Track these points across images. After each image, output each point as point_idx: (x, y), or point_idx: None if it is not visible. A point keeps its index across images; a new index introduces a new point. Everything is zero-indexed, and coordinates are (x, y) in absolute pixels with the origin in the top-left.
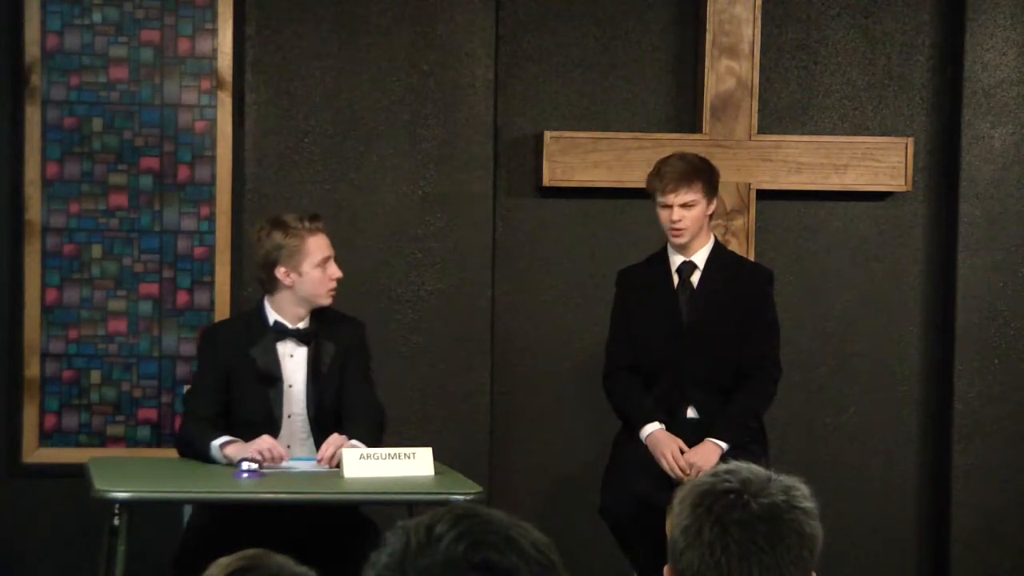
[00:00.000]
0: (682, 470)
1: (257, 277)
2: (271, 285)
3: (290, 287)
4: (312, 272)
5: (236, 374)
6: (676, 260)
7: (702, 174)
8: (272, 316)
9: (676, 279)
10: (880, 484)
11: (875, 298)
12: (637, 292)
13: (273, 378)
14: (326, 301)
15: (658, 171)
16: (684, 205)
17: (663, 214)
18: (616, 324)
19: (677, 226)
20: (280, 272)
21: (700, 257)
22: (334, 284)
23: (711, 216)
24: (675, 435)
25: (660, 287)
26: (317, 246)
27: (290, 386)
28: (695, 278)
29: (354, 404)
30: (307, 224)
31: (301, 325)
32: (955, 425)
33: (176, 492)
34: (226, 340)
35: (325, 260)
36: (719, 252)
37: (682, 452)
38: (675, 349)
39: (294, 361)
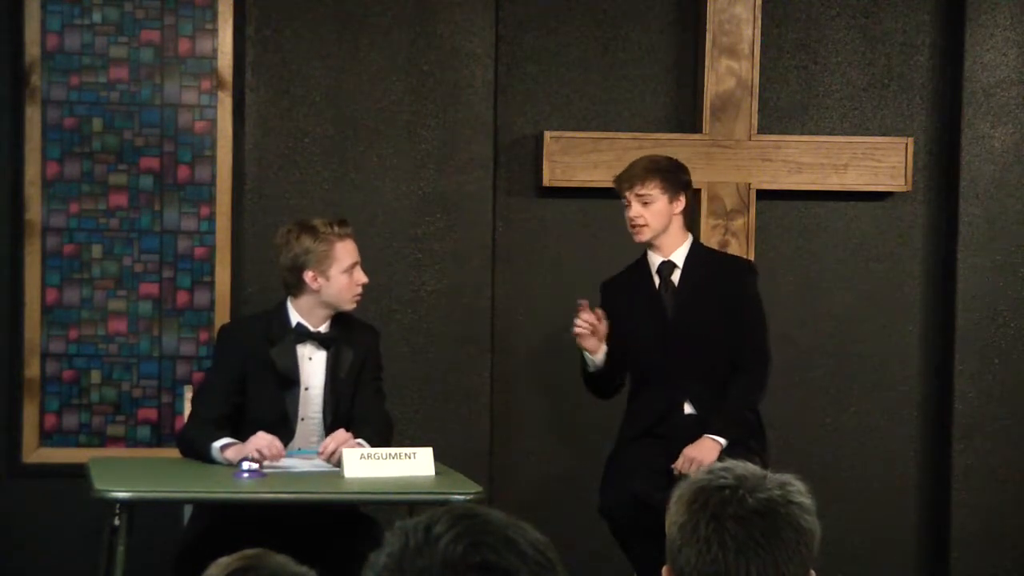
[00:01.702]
0: (681, 466)
1: (283, 279)
2: (297, 288)
3: (316, 291)
4: (339, 277)
5: (253, 373)
6: (655, 261)
7: (659, 171)
8: (295, 318)
9: (657, 280)
10: (880, 484)
11: (875, 298)
12: (621, 299)
13: (290, 380)
14: (351, 306)
15: (619, 173)
16: (641, 201)
17: (626, 212)
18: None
19: (635, 222)
20: (308, 276)
21: (679, 256)
22: (360, 290)
23: (685, 215)
24: (675, 432)
25: (642, 289)
26: (346, 251)
27: (306, 389)
28: (675, 276)
29: (364, 413)
30: (336, 229)
31: (323, 329)
32: (955, 425)
33: (176, 492)
34: (245, 338)
35: (352, 266)
36: (697, 249)
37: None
38: (664, 348)
39: (312, 364)
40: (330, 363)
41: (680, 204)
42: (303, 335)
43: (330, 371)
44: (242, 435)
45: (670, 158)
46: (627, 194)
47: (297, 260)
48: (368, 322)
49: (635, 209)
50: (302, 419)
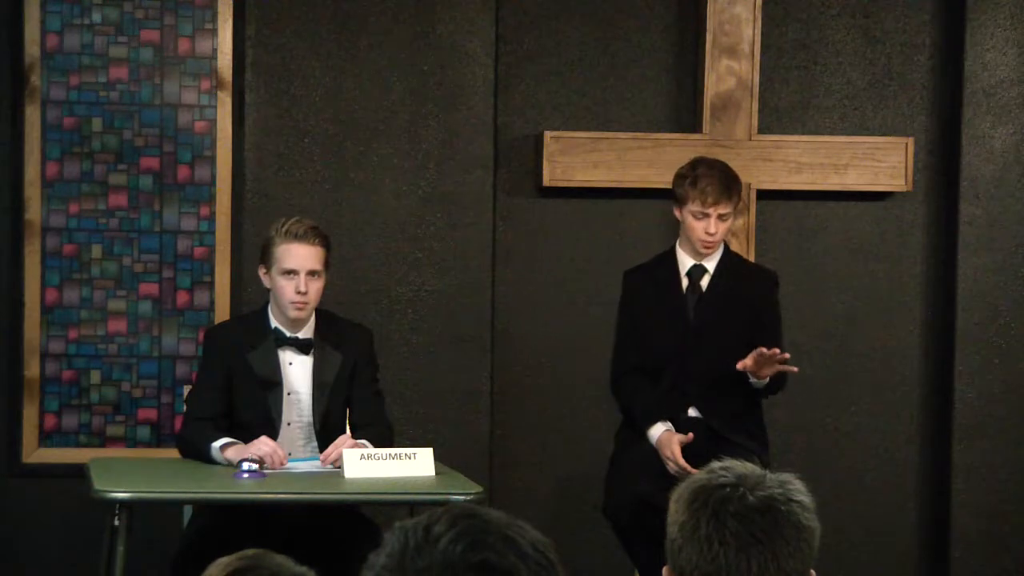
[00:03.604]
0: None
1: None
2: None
3: (270, 289)
4: (277, 278)
5: (236, 377)
6: (686, 262)
7: (736, 185)
8: (272, 322)
9: (685, 281)
10: (880, 484)
11: (875, 298)
12: (644, 292)
13: (271, 383)
14: (292, 314)
15: (695, 180)
16: (722, 219)
17: (697, 224)
18: (622, 326)
19: (711, 240)
20: (260, 271)
21: (711, 261)
22: (298, 298)
23: None
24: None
25: (668, 288)
26: (289, 254)
27: (289, 393)
28: (704, 281)
29: (363, 421)
30: (291, 229)
31: (300, 334)
32: (955, 425)
33: (176, 492)
34: (229, 341)
35: (292, 271)
36: (729, 256)
37: (685, 445)
38: (680, 349)
39: (294, 369)
40: (315, 368)
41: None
42: (281, 340)
43: (315, 376)
44: (234, 438)
45: (727, 165)
46: (709, 208)
47: (260, 253)
48: (360, 323)
49: (714, 225)
50: (288, 424)
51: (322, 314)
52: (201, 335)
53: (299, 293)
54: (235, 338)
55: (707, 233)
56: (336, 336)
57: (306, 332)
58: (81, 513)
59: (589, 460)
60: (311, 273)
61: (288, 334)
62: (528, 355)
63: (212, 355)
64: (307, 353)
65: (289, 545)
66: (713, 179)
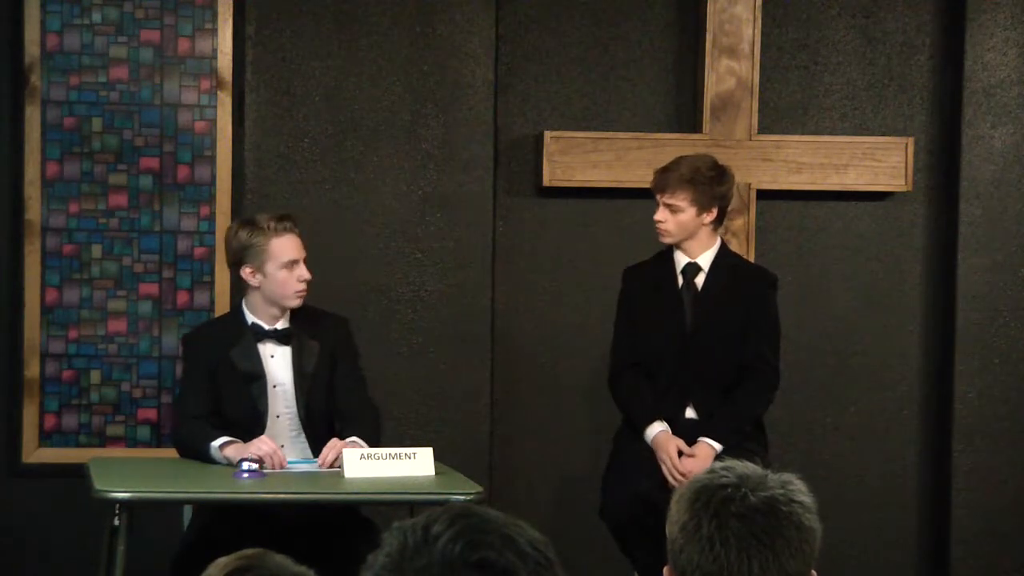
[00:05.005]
0: (680, 473)
1: (232, 278)
2: (244, 286)
3: (257, 287)
4: (277, 273)
5: (220, 375)
6: (681, 261)
7: (695, 184)
8: (250, 318)
9: (680, 280)
10: (880, 484)
11: (875, 298)
12: (642, 290)
13: (254, 377)
14: (294, 303)
15: (660, 169)
16: (669, 209)
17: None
18: (621, 322)
19: (659, 227)
20: (246, 272)
21: (705, 259)
22: (302, 286)
23: (716, 223)
24: (674, 435)
25: (664, 287)
26: (281, 247)
27: (274, 386)
28: (699, 280)
29: (348, 407)
30: (273, 224)
31: (279, 325)
32: (955, 425)
33: (176, 492)
34: (208, 342)
35: (292, 262)
36: (724, 255)
37: (682, 452)
38: (677, 349)
39: (276, 361)
40: (295, 357)
41: (711, 216)
42: (260, 334)
43: (295, 365)
44: (229, 435)
45: (715, 165)
46: (657, 195)
47: (236, 256)
48: (335, 312)
49: (660, 214)
50: (276, 416)
51: None
52: None
53: (302, 281)
54: (214, 337)
55: (655, 219)
56: (311, 325)
57: (283, 323)
58: (81, 513)
59: (589, 460)
60: (304, 260)
61: (267, 327)
62: (528, 355)
63: (194, 357)
64: (287, 344)
65: (289, 545)
66: (671, 170)
